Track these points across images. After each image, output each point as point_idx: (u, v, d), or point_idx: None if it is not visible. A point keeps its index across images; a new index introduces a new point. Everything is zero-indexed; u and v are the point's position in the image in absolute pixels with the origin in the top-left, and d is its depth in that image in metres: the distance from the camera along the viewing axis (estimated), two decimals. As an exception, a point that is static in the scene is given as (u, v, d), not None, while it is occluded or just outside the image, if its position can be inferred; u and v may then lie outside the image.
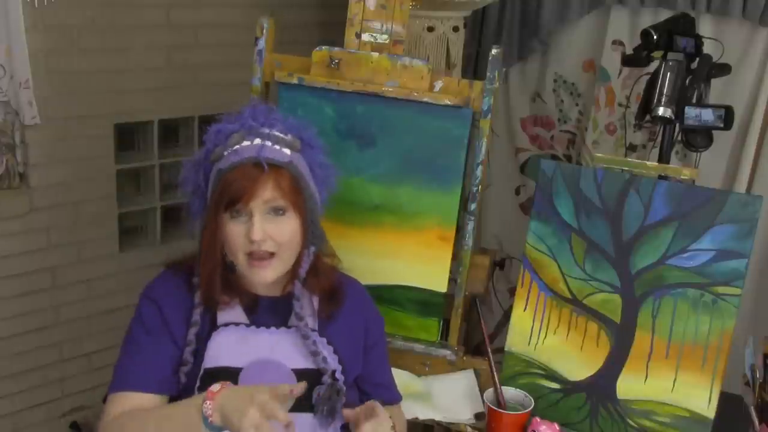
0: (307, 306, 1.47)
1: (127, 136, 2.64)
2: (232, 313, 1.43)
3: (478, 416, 1.73)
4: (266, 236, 1.37)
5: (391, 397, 1.60)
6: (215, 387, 1.26)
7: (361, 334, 1.53)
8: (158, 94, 2.57)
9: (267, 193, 1.36)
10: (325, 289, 1.49)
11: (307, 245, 1.44)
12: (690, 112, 2.00)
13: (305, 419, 1.41)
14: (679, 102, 2.00)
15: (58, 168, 2.39)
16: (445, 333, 1.88)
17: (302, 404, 1.40)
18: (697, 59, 2.08)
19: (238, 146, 1.39)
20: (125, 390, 1.37)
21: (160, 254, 2.56)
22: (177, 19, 2.55)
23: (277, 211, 1.38)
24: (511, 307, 1.80)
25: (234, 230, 1.37)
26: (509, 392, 1.70)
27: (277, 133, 1.42)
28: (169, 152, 2.71)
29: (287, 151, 1.41)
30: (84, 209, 2.47)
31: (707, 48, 2.14)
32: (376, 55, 1.83)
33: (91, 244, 2.51)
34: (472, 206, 1.82)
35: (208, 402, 1.24)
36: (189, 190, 1.48)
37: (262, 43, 1.87)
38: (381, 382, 1.59)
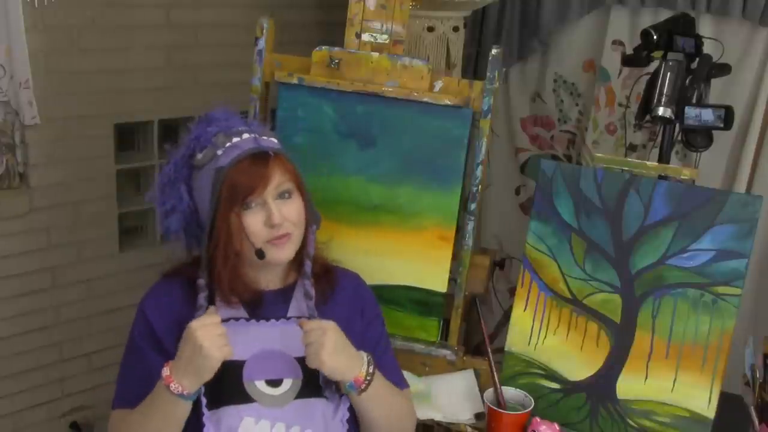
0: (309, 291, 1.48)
1: (127, 136, 2.64)
2: (231, 309, 1.45)
3: (478, 416, 1.73)
4: (283, 219, 1.41)
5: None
6: (165, 371, 1.32)
7: (357, 319, 1.54)
8: (158, 94, 2.57)
9: (277, 178, 1.41)
10: (320, 271, 1.52)
11: (310, 224, 1.48)
12: (690, 112, 2.00)
13: (315, 404, 1.43)
14: (679, 102, 2.00)
15: (58, 168, 2.39)
16: (445, 333, 1.88)
17: (311, 391, 1.42)
18: (697, 59, 2.08)
19: (229, 143, 1.41)
20: (123, 407, 1.43)
21: (160, 254, 2.57)
22: (177, 19, 2.55)
23: (284, 195, 1.43)
24: (511, 307, 1.80)
25: (253, 221, 1.40)
26: (509, 392, 1.70)
27: (257, 127, 1.47)
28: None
29: (274, 139, 1.47)
30: (84, 209, 2.47)
31: (707, 48, 2.14)
32: (376, 55, 1.83)
33: (91, 244, 2.51)
34: (472, 206, 1.82)
35: (171, 386, 1.31)
36: (167, 209, 1.48)
37: (262, 43, 1.87)
38: (380, 366, 1.54)
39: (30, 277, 2.40)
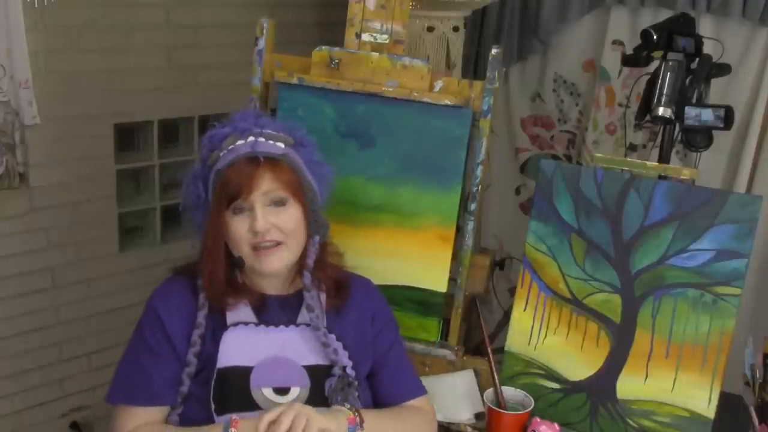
0: (316, 301, 1.47)
1: (127, 136, 2.64)
2: (241, 313, 1.44)
3: (478, 416, 1.73)
4: (270, 225, 1.39)
5: (402, 394, 1.55)
6: (234, 416, 1.31)
7: (368, 327, 1.54)
8: (158, 94, 2.57)
9: (265, 184, 1.39)
10: (331, 283, 1.50)
11: (311, 234, 1.46)
12: (690, 112, 2.00)
13: None
14: (679, 102, 2.00)
15: (58, 168, 2.39)
16: (445, 333, 1.88)
17: (318, 400, 1.41)
18: (697, 59, 2.08)
19: (232, 146, 1.43)
20: (131, 404, 1.40)
21: (160, 254, 2.59)
22: (177, 19, 2.55)
23: (278, 203, 1.41)
24: (511, 307, 1.80)
25: (237, 225, 1.40)
26: (509, 392, 1.70)
27: (269, 131, 1.46)
28: (169, 152, 2.71)
29: (281, 144, 1.45)
30: (84, 209, 2.47)
31: (707, 48, 2.14)
32: (376, 55, 1.83)
33: (91, 244, 2.51)
34: (472, 206, 1.82)
35: (232, 430, 1.30)
36: (191, 205, 1.50)
37: (262, 43, 1.87)
38: (393, 374, 1.55)
39: (30, 277, 2.40)
